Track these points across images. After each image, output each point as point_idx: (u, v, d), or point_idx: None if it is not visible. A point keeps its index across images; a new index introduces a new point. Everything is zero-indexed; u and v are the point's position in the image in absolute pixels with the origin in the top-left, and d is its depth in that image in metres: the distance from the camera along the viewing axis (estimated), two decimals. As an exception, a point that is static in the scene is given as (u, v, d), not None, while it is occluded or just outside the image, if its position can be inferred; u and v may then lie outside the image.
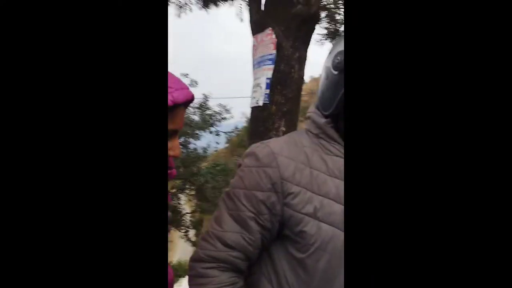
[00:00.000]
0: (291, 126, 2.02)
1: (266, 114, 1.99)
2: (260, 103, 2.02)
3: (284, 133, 2.01)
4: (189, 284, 0.66)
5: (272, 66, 2.08)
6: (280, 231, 0.63)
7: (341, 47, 0.63)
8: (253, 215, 0.62)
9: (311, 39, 2.09)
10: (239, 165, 0.69)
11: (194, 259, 0.65)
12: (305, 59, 2.07)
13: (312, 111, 0.70)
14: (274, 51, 2.08)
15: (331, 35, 3.54)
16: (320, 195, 0.60)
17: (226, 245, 0.62)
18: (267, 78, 2.10)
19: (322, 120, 0.65)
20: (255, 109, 2.07)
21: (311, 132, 0.68)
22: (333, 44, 0.70)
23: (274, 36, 2.04)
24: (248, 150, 0.68)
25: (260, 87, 2.08)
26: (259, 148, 0.65)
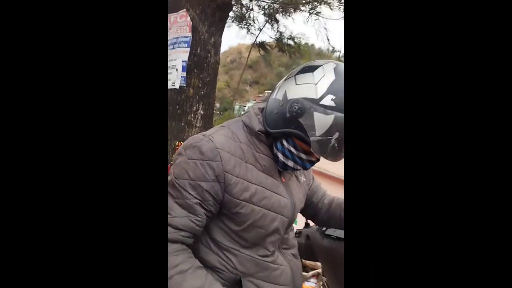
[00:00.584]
0: (209, 109, 2.10)
1: (184, 97, 2.02)
2: (177, 86, 2.02)
3: (202, 116, 2.08)
4: None
5: (187, 49, 2.09)
6: (219, 211, 0.75)
7: (303, 93, 0.67)
8: (198, 201, 0.69)
9: (225, 25, 2.17)
10: (179, 154, 0.76)
11: None
12: (220, 44, 2.15)
13: (257, 112, 0.79)
14: (190, 34, 2.09)
15: (238, 18, 3.67)
16: (254, 184, 0.73)
17: (176, 228, 0.69)
18: (183, 61, 2.11)
19: (262, 129, 0.75)
20: (171, 92, 2.06)
21: (247, 127, 0.76)
22: (299, 76, 0.71)
23: (189, 18, 2.05)
24: (190, 141, 0.74)
25: (176, 69, 2.07)
26: (203, 142, 0.71)
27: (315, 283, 2.97)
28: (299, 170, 0.79)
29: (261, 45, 3.65)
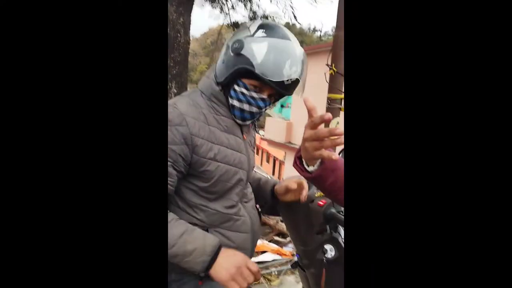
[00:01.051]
0: (182, 88, 2.19)
1: (157, 77, 2.10)
2: (149, 66, 2.10)
3: (175, 94, 2.17)
4: None
5: (157, 30, 2.16)
6: (188, 171, 0.87)
7: (240, 36, 0.82)
8: (171, 163, 0.79)
9: (193, 4, 2.23)
10: None
11: None
12: (190, 24, 2.22)
13: (209, 74, 0.92)
14: (159, 15, 2.15)
15: (211, -2, 3.69)
16: (217, 144, 0.83)
17: None
18: (154, 41, 2.18)
19: (216, 88, 0.87)
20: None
21: (203, 94, 0.87)
22: (240, 27, 0.87)
23: (157, -1, 2.10)
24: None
25: (148, 50, 2.15)
26: (170, 110, 0.80)
27: (292, 248, 3.21)
28: (256, 115, 0.88)
29: (235, 25, 3.70)
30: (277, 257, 2.97)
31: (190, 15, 2.19)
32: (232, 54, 0.82)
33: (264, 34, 0.80)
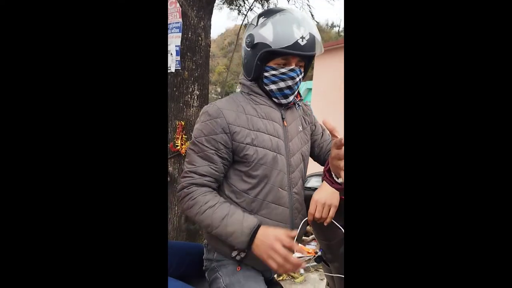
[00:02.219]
0: (204, 89, 2.26)
1: (180, 80, 2.17)
2: (173, 70, 2.18)
3: (198, 96, 2.24)
4: (182, 207, 0.94)
5: (179, 34, 2.23)
6: (232, 158, 0.98)
7: (248, 32, 0.97)
8: (214, 151, 0.92)
9: (213, 8, 2.29)
10: (196, 122, 1.00)
11: (179, 189, 0.95)
12: (210, 27, 2.28)
13: (241, 78, 1.05)
14: (180, 20, 2.22)
15: (228, 0, 3.75)
16: (254, 130, 0.95)
17: (200, 174, 0.93)
18: (176, 46, 2.25)
19: (249, 83, 1.01)
20: (168, 75, 2.22)
21: (243, 92, 1.03)
22: (247, 27, 1.02)
23: (178, 5, 2.17)
24: (203, 109, 0.99)
25: (171, 54, 2.22)
26: (209, 107, 0.95)
27: (315, 245, 3.21)
28: (294, 88, 0.97)
29: (253, 25, 3.73)
30: (300, 254, 2.98)
31: (210, 19, 2.26)
32: (248, 49, 0.96)
33: (265, 18, 0.93)
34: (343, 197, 0.95)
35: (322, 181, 0.98)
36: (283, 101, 0.98)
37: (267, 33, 0.90)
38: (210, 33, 2.28)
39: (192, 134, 0.98)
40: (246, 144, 0.93)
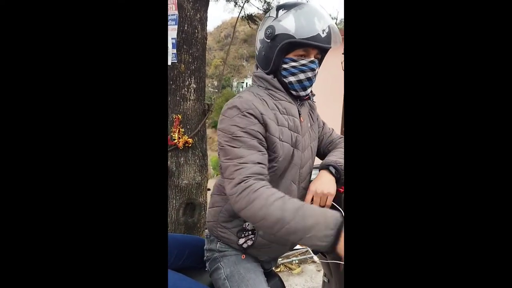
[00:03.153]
0: (200, 83, 2.24)
1: (176, 73, 2.16)
2: (169, 63, 2.16)
3: (195, 89, 2.23)
4: (239, 203, 0.80)
5: (175, 27, 2.21)
6: None
7: (267, 24, 0.95)
8: (256, 140, 0.88)
9: (209, 0, 2.27)
10: (220, 122, 0.92)
11: (235, 184, 0.82)
12: (206, 19, 2.26)
13: (256, 71, 1.02)
14: (176, 12, 2.19)
15: (225, -8, 3.70)
16: (279, 125, 0.94)
17: (253, 162, 0.84)
18: (172, 38, 2.23)
19: (267, 76, 0.98)
20: (164, 69, 2.20)
21: (260, 86, 1.00)
22: (263, 20, 1.00)
23: (174, -4, 2.15)
24: (228, 105, 0.92)
25: (167, 47, 2.20)
26: (236, 101, 0.90)
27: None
28: (313, 80, 0.96)
29: (250, 18, 3.70)
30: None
31: (206, 11, 2.23)
32: (268, 41, 0.95)
33: (285, 10, 0.93)
34: (344, 188, 0.96)
35: (320, 171, 0.99)
36: (302, 93, 0.97)
37: (290, 25, 0.90)
38: (206, 25, 2.25)
39: (222, 133, 0.90)
40: (276, 137, 0.92)
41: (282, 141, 0.93)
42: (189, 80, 2.18)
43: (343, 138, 1.21)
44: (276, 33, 0.92)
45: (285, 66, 0.94)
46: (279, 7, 0.95)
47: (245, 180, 0.81)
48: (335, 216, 0.72)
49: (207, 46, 2.36)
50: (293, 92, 0.97)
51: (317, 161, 1.13)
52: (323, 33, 0.90)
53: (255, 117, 0.88)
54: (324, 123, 1.22)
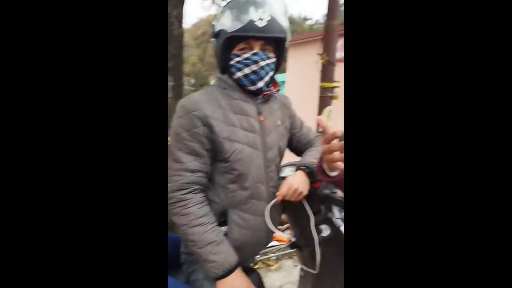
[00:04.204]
0: (177, 80, 2.22)
1: (153, 70, 2.12)
2: (145, 60, 2.13)
3: (172, 87, 2.21)
4: (172, 210, 0.89)
5: (151, 23, 2.17)
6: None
7: (214, 22, 0.96)
8: (198, 145, 0.89)
9: (186, -3, 2.25)
10: (173, 119, 0.95)
11: (172, 190, 0.88)
12: (183, 16, 2.24)
13: (218, 72, 1.02)
14: (152, 8, 2.16)
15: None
16: (229, 125, 0.91)
17: (191, 171, 0.89)
18: (148, 35, 2.20)
19: (223, 76, 0.98)
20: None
21: (219, 86, 0.97)
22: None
23: (150, -8, 2.11)
24: (179, 103, 0.93)
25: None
26: (185, 101, 0.92)
27: (290, 234, 3.30)
28: (260, 74, 0.93)
29: (227, 16, 3.68)
30: (275, 243, 3.06)
31: (182, 8, 2.21)
32: (214, 39, 0.96)
33: (225, 7, 0.94)
34: (319, 183, 0.99)
35: (296, 171, 1.01)
36: (252, 88, 0.93)
37: (226, 20, 0.89)
38: (182, 23, 2.24)
39: (171, 130, 0.93)
40: (223, 138, 0.90)
41: (232, 141, 0.91)
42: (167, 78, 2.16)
43: (319, 137, 1.22)
44: (215, 31, 0.93)
45: (231, 62, 0.93)
46: (224, 6, 0.95)
47: (181, 190, 0.89)
48: (231, 262, 0.88)
49: (183, 44, 2.34)
50: (245, 87, 0.95)
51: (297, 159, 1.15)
52: (260, 22, 0.86)
53: (199, 119, 0.89)
54: (302, 122, 1.20)
